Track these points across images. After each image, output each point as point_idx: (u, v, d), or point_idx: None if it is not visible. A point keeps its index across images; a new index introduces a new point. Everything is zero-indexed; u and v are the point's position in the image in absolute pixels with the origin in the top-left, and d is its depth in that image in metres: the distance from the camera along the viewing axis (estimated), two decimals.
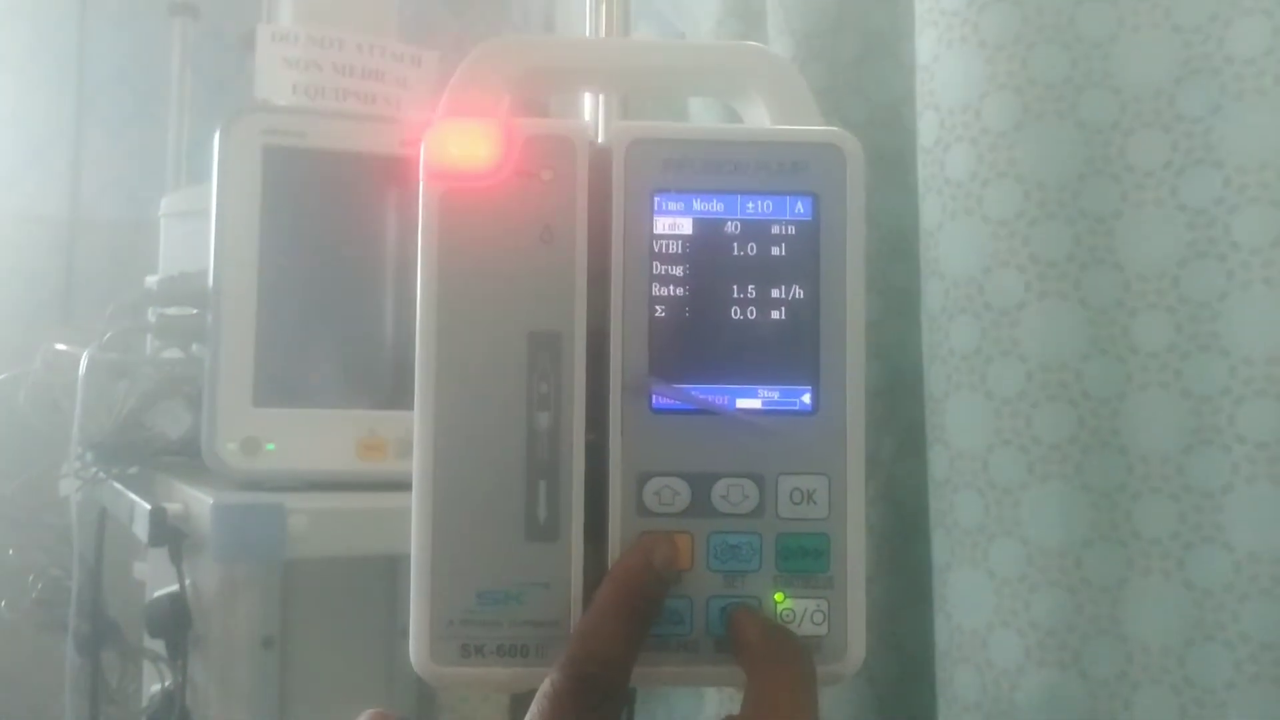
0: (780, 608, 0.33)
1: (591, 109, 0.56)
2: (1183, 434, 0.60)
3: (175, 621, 1.05)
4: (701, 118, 0.82)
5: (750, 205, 0.34)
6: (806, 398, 0.34)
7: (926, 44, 0.67)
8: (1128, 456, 0.61)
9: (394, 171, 0.96)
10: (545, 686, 0.31)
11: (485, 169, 0.33)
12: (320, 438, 0.91)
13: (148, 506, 0.82)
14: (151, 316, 0.97)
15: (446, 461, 0.33)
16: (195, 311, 0.96)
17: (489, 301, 0.33)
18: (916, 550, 0.73)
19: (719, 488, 0.33)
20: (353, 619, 1.21)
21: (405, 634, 1.11)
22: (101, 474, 1.01)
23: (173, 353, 1.03)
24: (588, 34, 0.59)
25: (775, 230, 0.34)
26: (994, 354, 0.63)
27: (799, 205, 0.34)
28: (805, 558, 0.33)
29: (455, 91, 0.38)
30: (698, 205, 0.34)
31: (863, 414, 0.34)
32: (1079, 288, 0.62)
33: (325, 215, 0.97)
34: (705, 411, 0.34)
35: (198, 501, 0.83)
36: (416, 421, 0.33)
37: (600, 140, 0.35)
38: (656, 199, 0.34)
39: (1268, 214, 0.58)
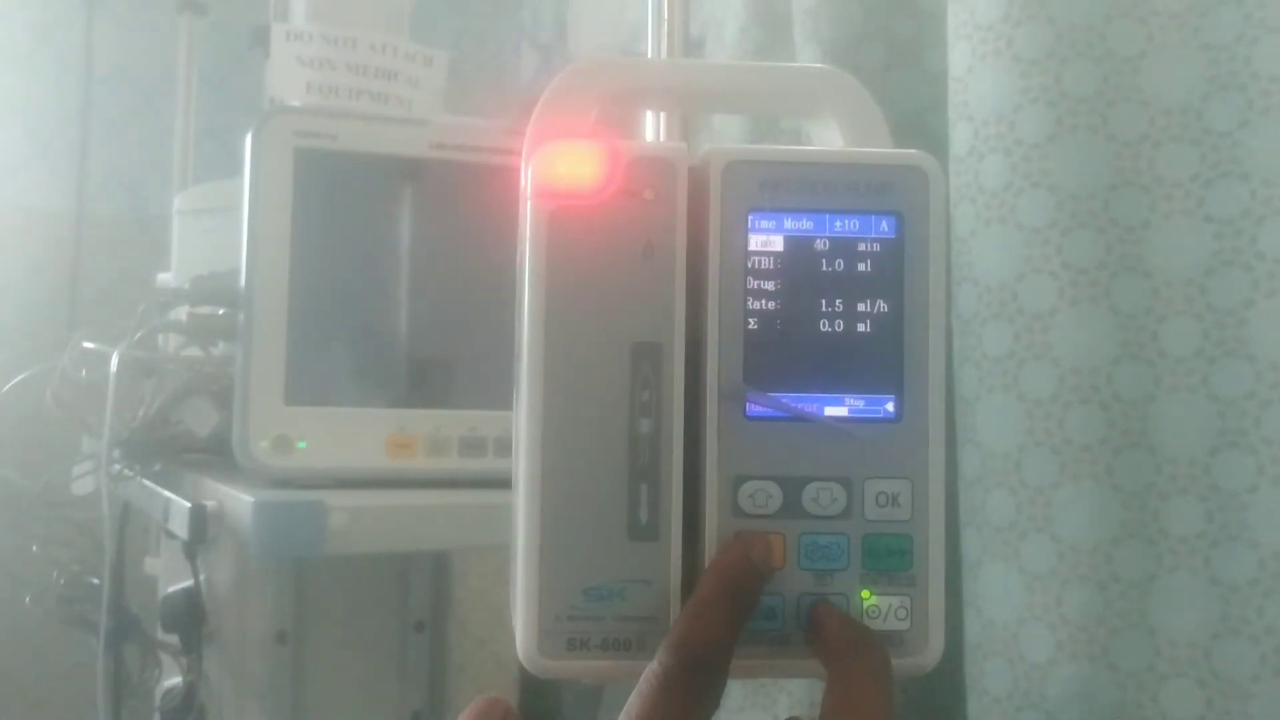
0: (867, 604, 0.35)
1: (652, 125, 0.58)
2: (1209, 436, 0.62)
3: (190, 617, 1.06)
4: (731, 129, 0.84)
5: (838, 224, 0.36)
6: (890, 406, 0.36)
7: (960, 57, 0.69)
8: (1156, 457, 0.63)
9: (423, 173, 0.98)
10: (651, 668, 0.33)
11: (591, 189, 0.35)
12: (350, 436, 0.93)
13: (187, 504, 0.83)
14: (183, 315, 0.99)
15: (553, 464, 0.35)
16: (221, 311, 0.98)
17: (595, 314, 0.35)
18: (946, 547, 0.75)
19: (809, 491, 0.35)
20: (366, 614, 1.22)
21: (418, 628, 1.13)
22: (128, 471, 1.03)
23: (193, 351, 1.04)
24: (650, 53, 0.61)
25: (861, 247, 0.36)
26: (1027, 357, 0.65)
27: (884, 224, 0.36)
28: (890, 557, 0.35)
29: (546, 112, 0.40)
30: (789, 224, 0.36)
31: (943, 422, 0.36)
32: (1109, 294, 0.64)
33: (355, 216, 0.98)
34: (796, 418, 0.35)
35: (233, 499, 0.85)
36: (521, 426, 0.35)
37: (697, 161, 0.37)
38: (751, 217, 0.36)
39: None
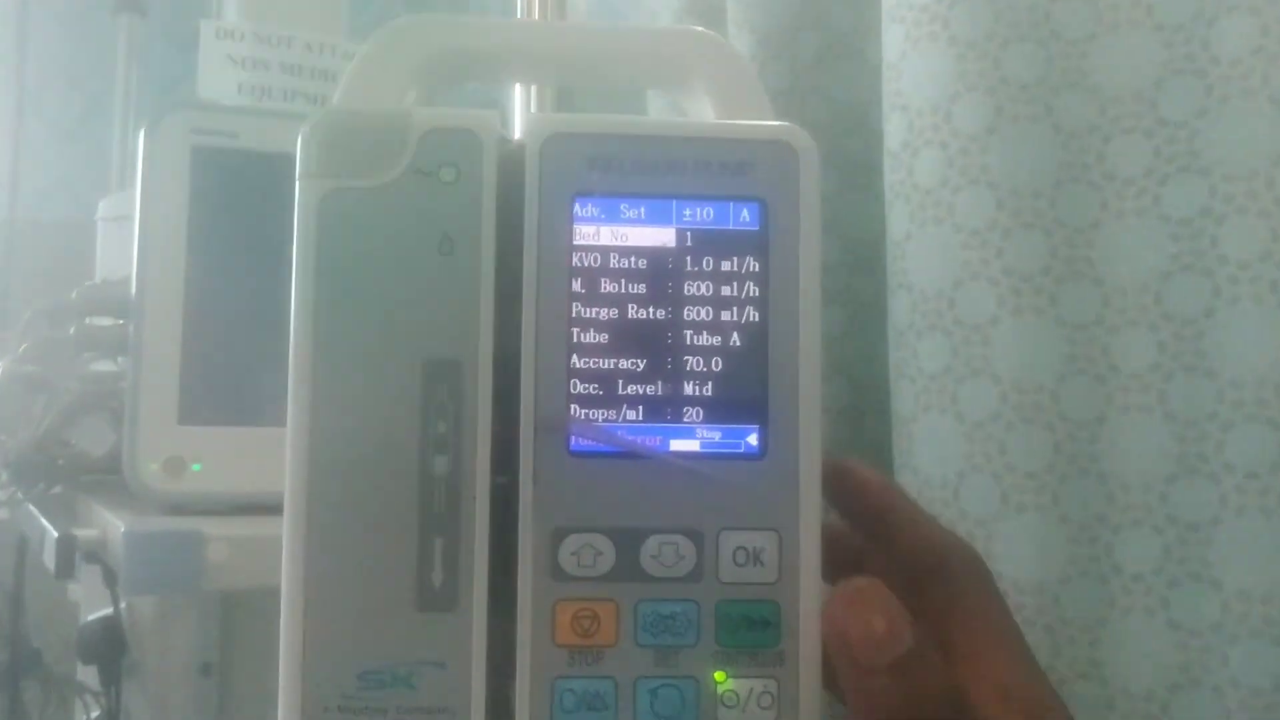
0: (721, 689, 0.28)
1: (522, 107, 0.51)
2: (1167, 461, 0.55)
3: (108, 647, 1.00)
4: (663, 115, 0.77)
5: (687, 212, 0.29)
6: (753, 439, 0.29)
7: (893, 40, 0.62)
8: (1108, 485, 0.56)
9: None
10: None
11: (374, 167, 0.28)
12: (251, 457, 0.85)
13: (55, 534, 0.76)
14: (73, 327, 0.91)
15: (322, 513, 0.28)
16: (119, 322, 0.90)
17: (376, 324, 0.28)
18: None
19: (649, 546, 0.28)
20: None
21: None
22: (19, 494, 0.95)
23: (107, 365, 0.97)
24: (519, 15, 0.54)
25: (716, 242, 0.29)
26: (965, 373, 0.58)
27: (744, 212, 0.29)
28: (751, 629, 0.28)
29: (354, 80, 0.33)
30: (626, 212, 0.29)
31: (819, 458, 0.29)
32: (1055, 303, 0.57)
33: (259, 221, 0.91)
34: (633, 455, 0.29)
35: (114, 527, 0.77)
36: (287, 466, 0.28)
37: (515, 136, 0.30)
38: (577, 204, 0.29)
39: (1257, 225, 0.53)
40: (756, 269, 0.29)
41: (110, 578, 0.88)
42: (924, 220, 0.60)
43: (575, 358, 0.29)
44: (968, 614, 0.29)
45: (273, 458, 0.86)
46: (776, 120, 0.32)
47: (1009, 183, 0.58)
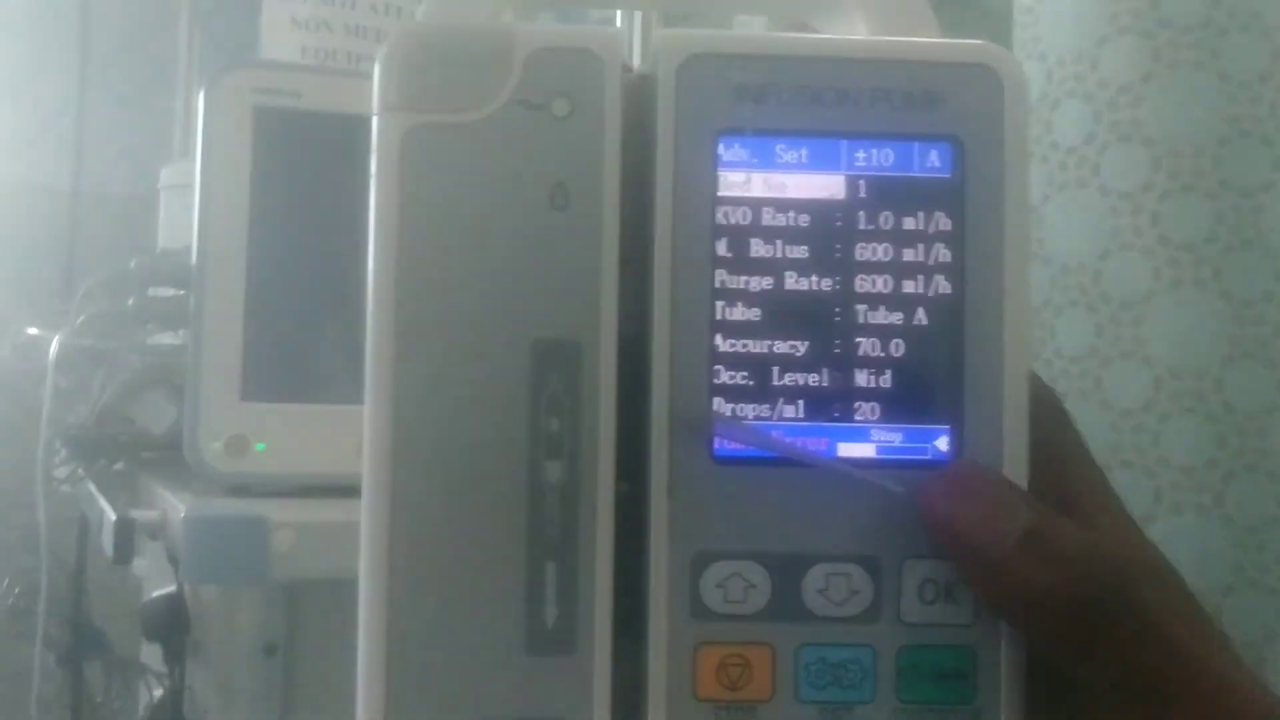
0: None
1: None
2: None
3: (172, 625, 0.97)
4: None
5: (860, 155, 0.23)
6: (943, 442, 0.23)
7: None
8: (1278, 483, 0.50)
9: None
10: None
11: (468, 97, 0.22)
12: (316, 436, 0.81)
13: (113, 517, 0.72)
14: (133, 299, 0.87)
15: (408, 533, 0.22)
16: (181, 293, 0.86)
17: (473, 295, 0.22)
18: None
19: (814, 577, 0.22)
20: None
21: None
22: (80, 471, 0.92)
23: (168, 336, 0.93)
24: None
25: (897, 193, 0.23)
26: (1112, 355, 0.52)
27: (933, 155, 0.23)
28: (941, 682, 0.22)
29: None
30: (784, 155, 0.23)
31: (1026, 466, 0.23)
32: (1220, 276, 0.51)
33: (324, 185, 0.86)
34: (792, 462, 0.23)
35: (174, 510, 0.73)
36: (364, 474, 0.23)
37: (639, 63, 0.24)
38: (723, 145, 0.23)
39: None
40: (949, 227, 0.23)
41: (174, 555, 0.84)
42: (1064, 182, 0.53)
43: (720, 339, 0.23)
44: (1047, 459, 0.24)
45: (340, 437, 0.82)
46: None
47: (1166, 139, 0.51)
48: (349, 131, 0.85)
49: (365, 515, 0.22)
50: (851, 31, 0.28)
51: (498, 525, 0.22)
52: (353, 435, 0.82)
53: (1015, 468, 0.23)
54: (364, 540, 0.22)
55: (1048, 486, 0.23)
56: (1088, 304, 0.52)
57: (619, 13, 0.44)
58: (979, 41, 0.24)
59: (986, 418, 0.23)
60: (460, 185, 0.22)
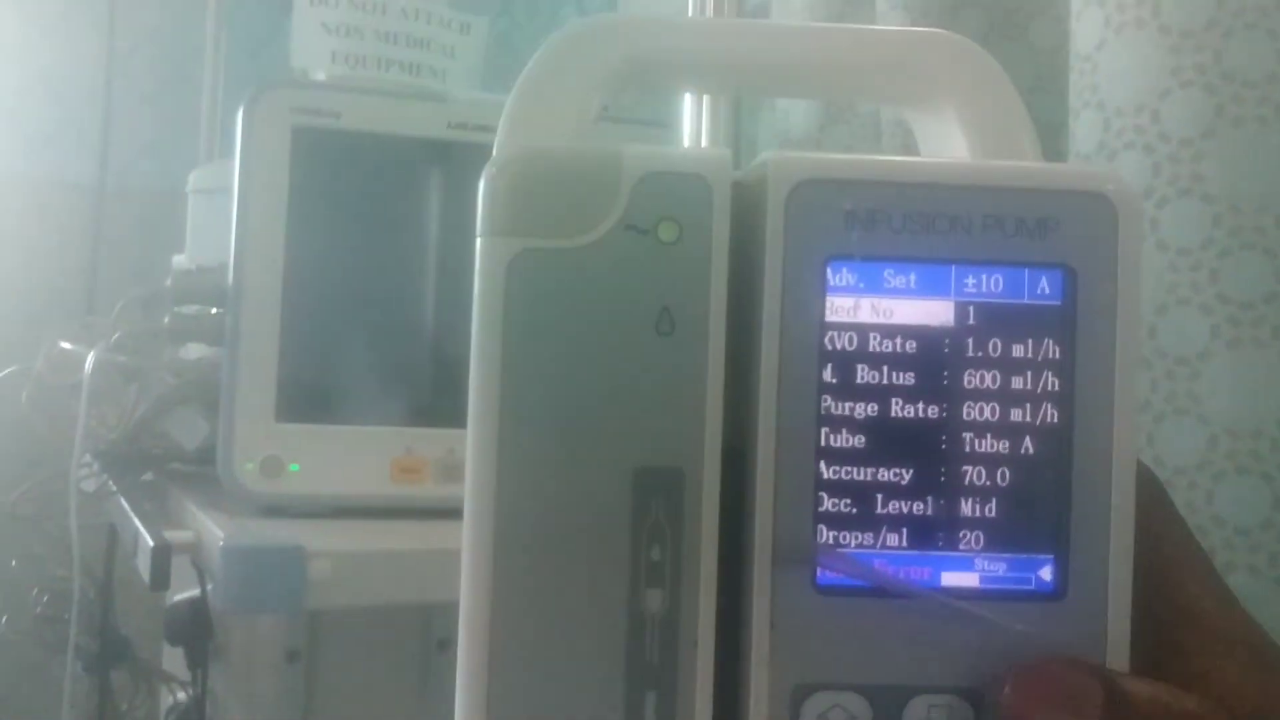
0: None
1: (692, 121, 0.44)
2: None
3: (195, 629, 0.97)
4: (793, 129, 0.70)
5: (970, 281, 0.23)
6: (1047, 572, 0.23)
7: (1090, 28, 0.54)
8: None
9: (440, 157, 0.85)
10: None
11: (576, 223, 0.22)
12: (350, 458, 0.81)
13: (151, 543, 0.72)
14: (167, 317, 0.87)
15: (508, 657, 0.22)
16: (215, 311, 0.86)
17: (577, 420, 0.22)
18: None
19: (915, 709, 0.22)
20: (384, 632, 1.12)
21: (441, 647, 0.99)
22: (111, 485, 0.92)
23: (199, 351, 0.93)
24: (690, 12, 0.47)
25: (1007, 320, 0.23)
26: (1166, 411, 0.51)
27: (1044, 283, 0.23)
28: None
29: (527, 96, 0.26)
30: (892, 280, 0.23)
31: (1129, 598, 0.23)
32: (1279, 335, 0.50)
33: (362, 206, 0.86)
34: (895, 593, 0.22)
35: (210, 533, 0.73)
36: (463, 598, 0.22)
37: (746, 177, 0.24)
38: (831, 270, 0.23)
39: None
40: (1058, 355, 0.23)
41: (199, 565, 0.84)
42: None
43: (825, 466, 0.22)
44: (1147, 536, 0.23)
45: (374, 459, 0.81)
46: (1044, 159, 0.25)
47: (1228, 195, 0.50)
48: (388, 152, 0.85)
49: (463, 641, 0.22)
50: (945, 132, 0.27)
51: (598, 654, 0.22)
52: (384, 457, 0.82)
53: (1119, 597, 0.23)
54: (461, 667, 0.22)
55: (1153, 574, 0.23)
56: (1143, 359, 0.52)
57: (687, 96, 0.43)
58: (1094, 169, 0.23)
59: (1092, 548, 0.23)
60: (565, 309, 0.22)
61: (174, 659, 1.03)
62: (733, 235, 0.23)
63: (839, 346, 0.22)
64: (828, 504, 0.22)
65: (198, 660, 1.00)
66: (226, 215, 1.15)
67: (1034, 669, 0.22)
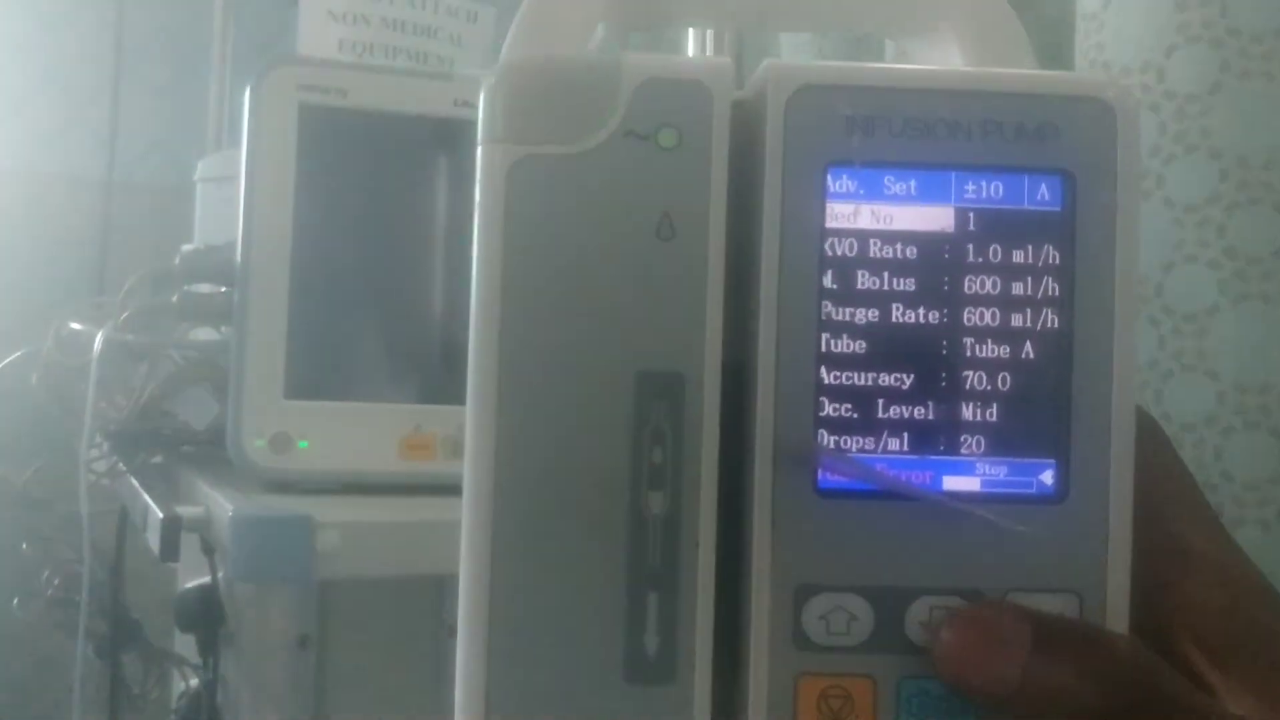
0: None
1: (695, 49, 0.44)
2: None
3: (206, 616, 0.98)
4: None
5: (970, 188, 0.23)
6: (1048, 476, 0.23)
7: None
8: None
9: (447, 135, 0.85)
10: None
11: (575, 129, 0.22)
12: (358, 434, 0.81)
13: (160, 515, 0.72)
14: (176, 295, 0.88)
15: (509, 560, 0.22)
16: (224, 290, 0.86)
17: (577, 326, 0.22)
18: None
19: (917, 610, 0.22)
20: (396, 616, 1.12)
21: (453, 633, 1.02)
22: (121, 465, 0.92)
23: (207, 332, 0.93)
24: None
25: (1007, 226, 0.23)
26: (1174, 368, 0.51)
27: (1044, 189, 0.23)
28: None
29: (529, 22, 0.27)
30: (892, 186, 0.23)
31: (1130, 503, 0.23)
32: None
33: (369, 184, 0.86)
34: (896, 495, 0.22)
35: (220, 506, 0.74)
36: (464, 500, 0.23)
37: (746, 89, 0.24)
38: (831, 176, 0.23)
39: None
40: (1058, 261, 0.23)
41: (208, 547, 0.85)
42: None
43: (825, 371, 0.22)
44: (1145, 478, 0.23)
45: (383, 436, 0.82)
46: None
47: (1234, 150, 0.50)
48: (394, 130, 0.85)
49: (466, 541, 0.22)
50: (945, 56, 0.27)
51: (599, 555, 0.22)
52: (393, 433, 0.82)
53: (1120, 500, 0.23)
54: (464, 565, 0.22)
55: (1148, 514, 0.23)
56: (1150, 316, 0.52)
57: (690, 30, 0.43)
58: (1094, 75, 0.23)
59: (1093, 452, 0.23)
60: (566, 216, 0.22)
61: (185, 644, 1.03)
62: (733, 145, 0.23)
63: (839, 253, 0.23)
64: (828, 408, 0.22)
65: (209, 647, 1.00)
66: (235, 203, 1.16)
67: (969, 613, 0.22)
